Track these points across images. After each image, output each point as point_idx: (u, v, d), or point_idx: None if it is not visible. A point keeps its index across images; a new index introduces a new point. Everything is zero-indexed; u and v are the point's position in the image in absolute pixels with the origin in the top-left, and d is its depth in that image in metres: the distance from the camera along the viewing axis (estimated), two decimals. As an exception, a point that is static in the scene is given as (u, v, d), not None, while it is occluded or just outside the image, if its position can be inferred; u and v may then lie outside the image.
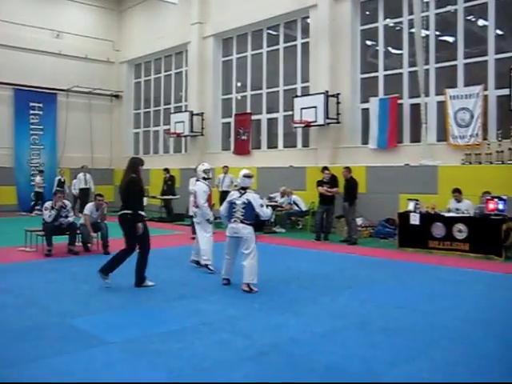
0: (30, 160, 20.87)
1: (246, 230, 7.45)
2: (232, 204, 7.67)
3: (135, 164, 7.85)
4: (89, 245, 11.02)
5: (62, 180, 19.20)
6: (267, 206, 7.77)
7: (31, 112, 20.96)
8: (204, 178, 9.20)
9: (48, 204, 10.67)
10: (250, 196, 7.61)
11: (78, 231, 10.85)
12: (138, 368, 4.51)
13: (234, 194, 7.80)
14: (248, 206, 7.54)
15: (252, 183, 7.92)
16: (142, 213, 7.73)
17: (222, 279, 7.84)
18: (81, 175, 18.94)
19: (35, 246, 10.78)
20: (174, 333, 5.45)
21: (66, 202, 10.92)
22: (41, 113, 21.20)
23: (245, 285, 7.36)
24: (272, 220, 15.10)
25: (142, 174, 7.92)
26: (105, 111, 23.27)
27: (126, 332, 5.48)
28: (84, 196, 18.32)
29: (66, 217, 10.65)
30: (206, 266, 8.84)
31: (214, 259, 8.81)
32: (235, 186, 15.12)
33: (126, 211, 7.61)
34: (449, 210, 11.13)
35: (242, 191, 7.70)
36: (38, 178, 19.52)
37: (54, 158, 21.40)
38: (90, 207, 10.95)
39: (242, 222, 7.51)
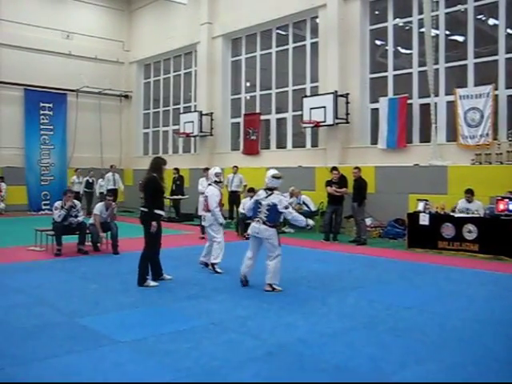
0: (40, 160, 20.97)
1: (268, 232, 7.44)
2: (258, 203, 7.62)
3: (157, 163, 8.06)
4: (98, 244, 11.07)
5: (91, 181, 19.10)
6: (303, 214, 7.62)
7: (41, 112, 21.06)
8: (216, 182, 9.19)
9: (58, 203, 10.72)
10: (277, 198, 7.50)
11: (88, 231, 10.90)
12: (146, 368, 4.52)
13: (261, 194, 7.72)
14: (272, 208, 7.45)
15: (280, 184, 7.80)
16: (160, 212, 7.89)
17: (240, 276, 7.74)
18: (109, 175, 18.69)
19: (45, 246, 10.85)
20: (182, 333, 5.46)
21: (76, 201, 10.98)
22: (51, 113, 21.30)
23: (267, 285, 7.45)
24: (281, 220, 15.09)
25: (165, 173, 8.13)
26: (114, 111, 23.36)
27: (135, 332, 5.50)
28: (113, 197, 18.08)
29: (76, 216, 10.70)
30: (213, 265, 8.84)
31: (225, 259, 8.84)
32: (244, 186, 15.20)
33: (142, 209, 7.88)
34: (453, 210, 11.09)
35: (269, 192, 7.60)
36: (73, 178, 19.15)
37: (64, 158, 21.50)
38: (99, 207, 10.99)
39: (264, 223, 7.47)
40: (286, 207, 7.55)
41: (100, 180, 18.77)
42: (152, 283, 7.80)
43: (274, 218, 7.52)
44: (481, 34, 13.17)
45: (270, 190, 7.61)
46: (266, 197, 7.56)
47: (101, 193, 18.11)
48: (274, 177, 7.67)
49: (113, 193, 17.69)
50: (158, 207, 7.88)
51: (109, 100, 23.08)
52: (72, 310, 6.33)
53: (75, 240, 10.80)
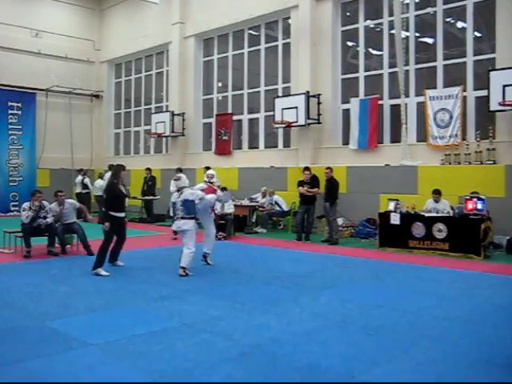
0: (8, 160, 20.55)
1: (186, 226, 8.52)
2: (174, 204, 8.74)
3: (116, 170, 9.15)
4: (68, 246, 10.92)
5: (85, 182, 18.47)
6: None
7: (10, 112, 20.59)
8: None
9: (26, 205, 10.48)
10: (188, 195, 8.61)
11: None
12: (118, 370, 4.48)
13: (174, 196, 8.81)
14: (185, 202, 8.54)
15: (184, 183, 8.93)
16: (116, 214, 8.85)
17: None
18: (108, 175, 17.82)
19: (13, 248, 10.66)
20: (155, 334, 5.42)
21: (45, 202, 10.72)
22: (19, 113, 20.87)
23: (181, 269, 8.39)
24: (253, 220, 15.13)
25: (124, 178, 9.21)
26: (85, 111, 23.03)
27: (106, 334, 5.43)
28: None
29: (45, 218, 10.45)
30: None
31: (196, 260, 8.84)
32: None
33: (103, 209, 9.17)
34: (429, 211, 11.24)
35: (180, 192, 8.70)
36: (78, 178, 18.39)
37: (33, 159, 21.10)
38: (54, 207, 10.74)
39: (182, 217, 8.54)
40: (201, 198, 8.76)
41: (98, 180, 18.08)
42: (103, 272, 8.49)
43: (190, 210, 8.57)
44: (449, 37, 13.38)
45: (180, 189, 8.73)
46: (178, 196, 8.66)
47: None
48: (175, 179, 9.08)
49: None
50: (115, 210, 8.86)
51: (79, 100, 22.76)
52: (42, 313, 6.23)
53: (45, 242, 10.62)
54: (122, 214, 9.07)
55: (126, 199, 9.60)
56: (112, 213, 8.83)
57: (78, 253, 10.76)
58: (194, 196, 8.64)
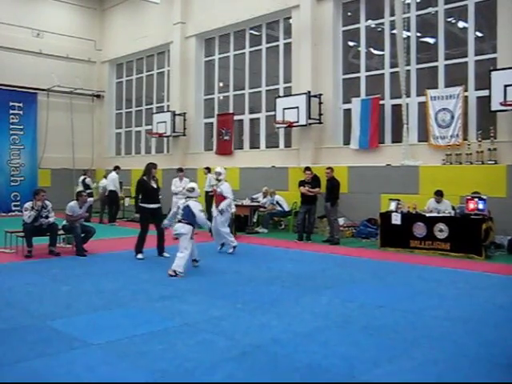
0: (9, 160, 20.58)
1: (183, 229, 8.69)
2: (178, 208, 9.08)
3: (146, 168, 10.50)
4: (68, 246, 10.93)
5: (87, 182, 17.96)
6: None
7: (11, 112, 20.63)
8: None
9: (28, 204, 10.46)
10: (192, 203, 8.89)
11: (60, 232, 10.73)
12: (120, 370, 4.48)
13: (180, 202, 9.20)
14: (186, 208, 8.83)
15: (197, 195, 9.18)
16: (146, 205, 10.17)
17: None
18: (113, 174, 17.52)
19: (15, 248, 10.66)
20: (156, 334, 5.42)
21: (47, 202, 10.72)
22: (21, 112, 20.90)
23: (171, 270, 8.42)
24: (254, 220, 15.11)
25: (155, 174, 10.53)
26: (86, 111, 23.04)
27: (108, 334, 5.43)
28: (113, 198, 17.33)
29: (47, 217, 10.45)
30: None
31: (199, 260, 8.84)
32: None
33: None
34: (431, 211, 11.24)
35: (187, 199, 9.04)
36: (80, 178, 18.00)
37: (35, 159, 21.14)
38: (72, 207, 10.74)
39: (180, 221, 8.86)
40: (201, 210, 9.01)
41: (103, 180, 17.98)
42: (138, 256, 9.99)
43: (188, 215, 8.78)
44: (451, 37, 13.38)
45: (188, 197, 9.07)
46: (184, 203, 8.98)
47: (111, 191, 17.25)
48: (187, 190, 9.24)
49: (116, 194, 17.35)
50: (145, 202, 10.19)
51: (81, 100, 22.79)
52: (43, 313, 6.23)
53: (47, 241, 10.62)
54: (153, 206, 10.25)
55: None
56: (143, 204, 10.17)
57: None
58: (195, 209, 8.80)
